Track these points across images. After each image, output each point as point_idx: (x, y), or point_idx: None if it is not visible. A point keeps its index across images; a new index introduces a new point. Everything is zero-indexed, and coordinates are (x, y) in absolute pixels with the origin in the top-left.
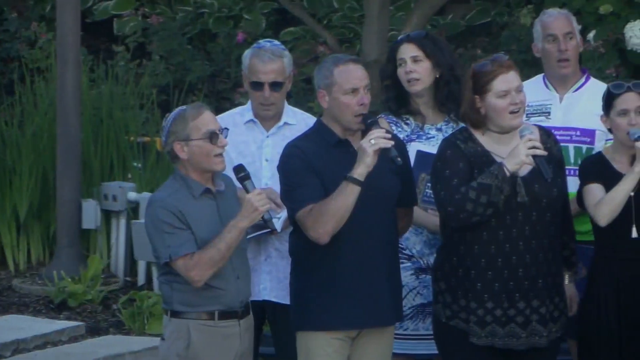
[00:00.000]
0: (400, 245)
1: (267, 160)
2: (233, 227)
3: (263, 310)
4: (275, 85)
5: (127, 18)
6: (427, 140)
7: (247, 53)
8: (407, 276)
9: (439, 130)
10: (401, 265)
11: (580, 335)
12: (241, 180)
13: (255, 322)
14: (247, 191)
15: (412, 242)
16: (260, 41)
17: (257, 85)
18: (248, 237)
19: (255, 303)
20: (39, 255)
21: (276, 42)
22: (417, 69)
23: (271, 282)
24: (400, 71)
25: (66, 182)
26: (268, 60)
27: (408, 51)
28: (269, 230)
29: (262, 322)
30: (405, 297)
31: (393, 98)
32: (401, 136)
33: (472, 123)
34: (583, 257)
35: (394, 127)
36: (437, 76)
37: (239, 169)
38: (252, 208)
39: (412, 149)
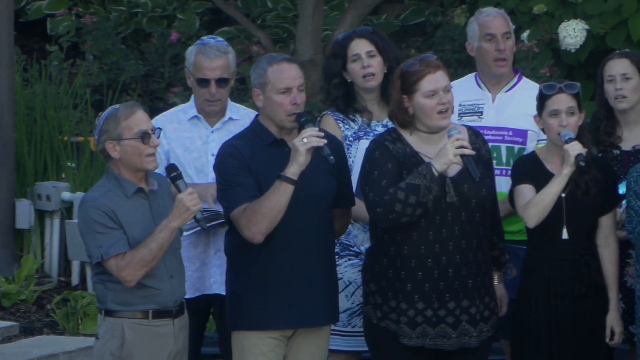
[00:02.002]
0: (348, 243)
1: (212, 155)
2: (165, 227)
3: (209, 306)
4: (221, 82)
5: (61, 18)
6: (375, 137)
7: (191, 50)
8: (354, 273)
9: (385, 126)
10: (349, 262)
11: (512, 335)
12: (173, 180)
13: (198, 319)
14: (179, 191)
15: (360, 239)
16: (204, 38)
17: (203, 82)
18: (186, 233)
19: (203, 297)
20: None
21: (219, 38)
22: (372, 63)
23: (221, 275)
24: (355, 67)
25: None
26: (214, 56)
27: (362, 46)
28: (200, 228)
29: (206, 319)
30: (353, 294)
31: (341, 96)
32: (348, 134)
33: (400, 123)
34: (514, 257)
35: (340, 124)
36: (385, 71)
37: (171, 169)
38: (184, 208)
39: (361, 146)
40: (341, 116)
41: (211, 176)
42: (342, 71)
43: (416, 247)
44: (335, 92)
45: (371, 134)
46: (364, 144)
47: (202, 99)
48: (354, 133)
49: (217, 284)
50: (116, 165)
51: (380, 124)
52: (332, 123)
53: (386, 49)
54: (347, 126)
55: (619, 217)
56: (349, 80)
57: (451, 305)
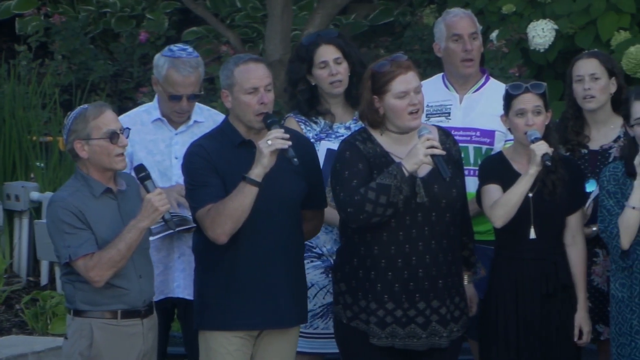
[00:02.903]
0: (309, 244)
1: (176, 158)
2: (133, 227)
3: (173, 308)
4: (193, 97)
5: (29, 17)
6: (337, 139)
7: (163, 62)
8: (317, 275)
9: (348, 128)
10: (311, 264)
11: (480, 335)
12: (141, 180)
13: (164, 320)
14: (148, 191)
15: (322, 240)
16: (174, 48)
17: (175, 98)
18: (152, 238)
19: (167, 300)
20: None
21: (189, 48)
22: (340, 70)
23: (184, 279)
24: (322, 73)
25: None
26: (187, 74)
27: (329, 53)
28: (171, 231)
29: (171, 320)
30: (316, 295)
31: (305, 101)
32: (310, 135)
33: (371, 123)
34: (483, 257)
35: (302, 127)
36: (349, 74)
37: (139, 169)
38: (152, 208)
39: (322, 147)
40: (303, 118)
41: (174, 179)
42: (307, 75)
43: (386, 248)
44: (301, 97)
45: (333, 136)
46: (325, 145)
47: (171, 110)
48: (316, 135)
49: (180, 288)
50: (85, 165)
51: (343, 125)
52: (295, 125)
53: (351, 53)
54: (309, 128)
55: (587, 210)
56: (313, 84)
57: (421, 306)
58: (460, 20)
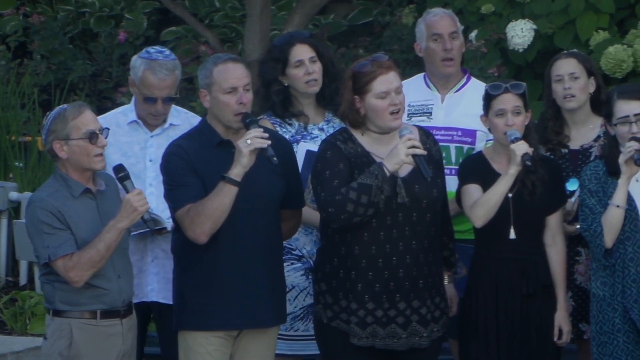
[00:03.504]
0: (289, 246)
1: (150, 160)
2: (112, 227)
3: (149, 310)
4: (168, 100)
5: (8, 17)
6: (312, 140)
7: (139, 63)
8: (297, 277)
9: (321, 129)
10: (292, 266)
11: (460, 334)
12: (121, 180)
13: (140, 322)
14: (127, 191)
15: (301, 242)
16: (151, 50)
17: (151, 100)
18: (132, 234)
19: (142, 304)
20: None
21: (166, 51)
22: (315, 69)
23: (158, 283)
24: (298, 72)
25: None
26: (163, 77)
27: (305, 52)
28: (147, 229)
29: (148, 322)
30: (296, 297)
31: (280, 102)
32: (286, 137)
33: (352, 123)
34: (463, 255)
35: (278, 128)
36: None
37: (119, 169)
38: (131, 208)
39: (301, 149)
40: (278, 120)
41: (148, 182)
42: (280, 76)
43: (367, 248)
44: (276, 98)
45: (308, 137)
46: (304, 146)
47: (146, 113)
48: (292, 137)
49: (154, 292)
50: (64, 166)
51: (317, 127)
52: (270, 127)
53: (324, 53)
54: (284, 130)
55: (571, 207)
56: (286, 84)
57: (402, 306)
58: (441, 19)
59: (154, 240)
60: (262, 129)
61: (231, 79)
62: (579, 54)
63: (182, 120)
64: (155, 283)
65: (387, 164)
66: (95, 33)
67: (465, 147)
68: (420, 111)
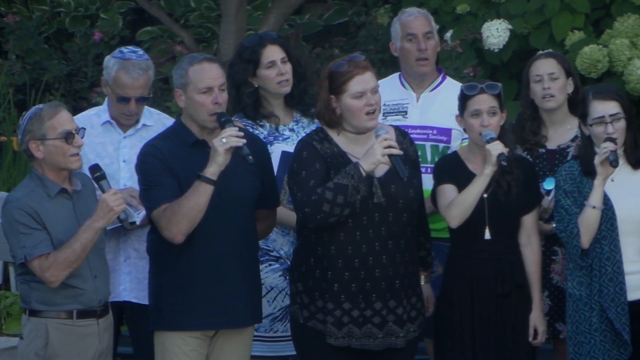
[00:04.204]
0: (267, 247)
1: (124, 161)
2: (88, 227)
3: (121, 311)
4: (141, 99)
5: None
6: (284, 141)
7: (112, 63)
8: (275, 278)
9: (292, 130)
10: (269, 267)
11: (435, 334)
12: (97, 180)
13: (113, 322)
14: (103, 191)
15: (279, 243)
16: (125, 50)
17: (124, 99)
18: (109, 228)
19: (114, 304)
20: None
21: (140, 51)
22: (287, 69)
23: (131, 283)
24: (270, 73)
25: None
26: (137, 76)
27: (276, 53)
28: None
29: (121, 322)
30: (275, 298)
31: (252, 104)
32: None
33: (328, 123)
34: (439, 254)
35: (250, 130)
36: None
37: (95, 169)
38: (107, 208)
39: (276, 150)
40: (250, 122)
41: (122, 182)
42: (251, 77)
43: (343, 248)
44: (247, 100)
45: (280, 139)
46: (279, 147)
47: (119, 113)
48: (264, 138)
49: (126, 292)
50: (40, 165)
51: (288, 127)
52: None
53: (293, 54)
54: (256, 131)
55: (547, 204)
56: (256, 86)
57: (378, 306)
58: (415, 19)
59: (127, 240)
60: (237, 128)
61: (207, 79)
62: (557, 54)
63: (154, 121)
64: (127, 283)
65: (363, 164)
66: (70, 33)
67: (441, 145)
68: (395, 110)
